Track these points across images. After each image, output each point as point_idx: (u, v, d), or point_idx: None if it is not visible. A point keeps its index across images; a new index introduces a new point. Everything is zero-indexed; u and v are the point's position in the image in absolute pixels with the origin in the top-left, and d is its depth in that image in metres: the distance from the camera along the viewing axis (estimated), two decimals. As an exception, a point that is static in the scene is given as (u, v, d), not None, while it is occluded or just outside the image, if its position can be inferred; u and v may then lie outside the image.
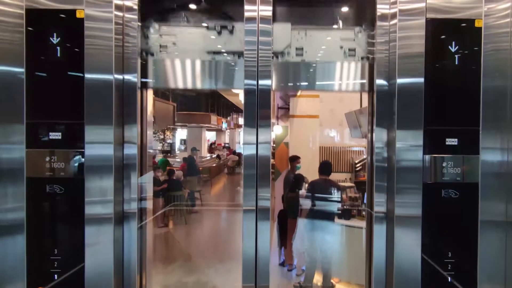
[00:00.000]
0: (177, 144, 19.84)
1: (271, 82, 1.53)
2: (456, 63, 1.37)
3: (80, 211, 1.34)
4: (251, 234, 1.55)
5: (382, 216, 1.48)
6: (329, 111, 7.64)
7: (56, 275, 1.35)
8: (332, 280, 4.46)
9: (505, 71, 1.40)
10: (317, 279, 4.53)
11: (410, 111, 1.36)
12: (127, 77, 1.47)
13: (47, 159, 1.33)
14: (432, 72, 1.36)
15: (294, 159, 5.33)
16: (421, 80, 1.36)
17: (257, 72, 1.52)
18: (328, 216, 4.41)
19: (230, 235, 6.76)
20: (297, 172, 5.11)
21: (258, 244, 1.55)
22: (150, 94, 1.67)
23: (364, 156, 7.36)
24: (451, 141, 1.37)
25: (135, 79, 1.47)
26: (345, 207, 4.62)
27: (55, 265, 1.36)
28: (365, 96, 5.63)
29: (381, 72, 1.50)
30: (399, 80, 1.38)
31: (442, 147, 1.38)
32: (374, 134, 1.52)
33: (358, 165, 7.18)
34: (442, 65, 1.37)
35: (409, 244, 1.36)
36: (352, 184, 5.87)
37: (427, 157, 1.37)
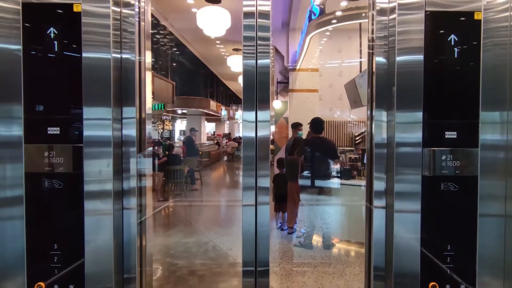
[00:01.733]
0: (177, 135, 19.99)
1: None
2: (456, 56, 1.36)
3: (79, 204, 1.34)
4: (251, 214, 1.55)
5: (381, 209, 1.49)
6: (328, 85, 7.65)
7: (56, 270, 1.34)
8: (332, 241, 4.48)
9: (504, 65, 1.40)
10: (317, 239, 4.55)
11: (409, 105, 1.36)
12: (125, 56, 1.45)
13: (46, 154, 1.34)
14: (431, 66, 1.35)
15: (296, 126, 5.28)
16: (421, 75, 1.35)
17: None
18: (325, 177, 4.37)
19: (226, 211, 6.79)
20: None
21: (257, 222, 1.55)
22: (149, 75, 1.66)
23: (364, 129, 7.36)
24: (450, 134, 1.36)
25: (133, 58, 1.46)
26: (345, 167, 4.61)
27: (55, 260, 1.34)
28: (364, 63, 5.57)
29: (380, 68, 1.50)
30: (398, 75, 1.37)
31: (441, 140, 1.37)
32: (373, 129, 1.52)
33: (357, 138, 7.20)
34: (441, 59, 1.37)
35: (408, 238, 1.36)
36: (352, 148, 5.87)
37: (426, 150, 1.36)
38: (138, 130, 1.54)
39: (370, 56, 1.57)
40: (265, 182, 1.54)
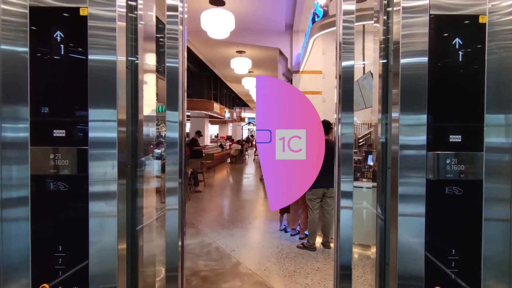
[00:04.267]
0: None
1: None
2: (460, 59, 1.35)
3: (84, 206, 1.35)
4: (175, 218, 1.53)
5: (384, 213, 1.49)
6: (332, 87, 7.64)
7: (60, 272, 1.36)
8: (329, 241, 4.47)
9: (509, 68, 1.39)
10: (320, 241, 4.53)
11: (413, 108, 1.36)
12: (130, 58, 1.48)
13: (51, 156, 1.36)
14: (435, 69, 1.35)
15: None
16: (425, 78, 1.35)
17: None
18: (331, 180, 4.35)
19: (229, 212, 6.78)
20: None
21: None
22: (153, 77, 1.67)
23: (366, 132, 7.33)
24: (455, 138, 1.36)
25: (138, 61, 1.50)
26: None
27: (60, 262, 1.36)
28: (368, 65, 5.54)
29: (385, 71, 1.50)
30: (403, 78, 1.36)
31: (445, 144, 1.36)
32: (379, 132, 1.52)
33: (361, 140, 7.16)
34: (446, 62, 1.36)
35: (413, 242, 1.36)
36: (356, 150, 5.82)
37: (430, 154, 1.35)
38: (142, 131, 1.55)
39: (376, 58, 1.57)
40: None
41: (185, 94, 1.55)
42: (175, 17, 1.50)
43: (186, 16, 1.55)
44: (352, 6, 1.46)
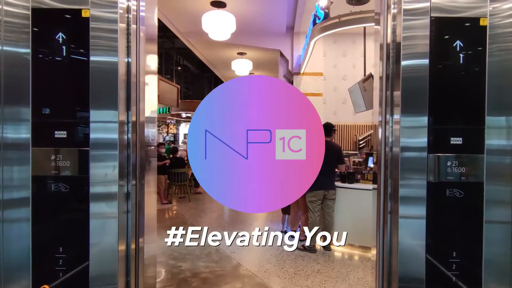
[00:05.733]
0: (181, 138, 20.07)
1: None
2: (461, 62, 1.36)
3: (85, 207, 1.35)
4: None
5: (386, 214, 1.48)
6: (332, 89, 7.64)
7: (61, 273, 1.37)
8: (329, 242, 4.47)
9: (511, 70, 1.39)
10: (320, 243, 4.53)
11: (414, 110, 1.36)
12: (132, 60, 1.47)
13: (53, 157, 1.36)
14: (436, 72, 1.35)
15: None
16: (426, 80, 1.35)
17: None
18: (332, 182, 4.35)
19: (229, 214, 6.78)
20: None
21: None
22: (154, 79, 1.66)
23: (368, 133, 7.33)
24: (456, 140, 1.36)
25: (139, 62, 1.49)
26: (349, 171, 4.60)
27: (60, 263, 1.36)
28: (369, 67, 5.54)
29: (386, 73, 1.50)
30: (403, 80, 1.36)
31: (446, 146, 1.36)
32: (379, 134, 1.52)
33: (361, 142, 7.17)
34: (446, 64, 1.37)
35: (413, 244, 1.36)
36: (356, 152, 5.83)
37: (431, 156, 1.35)
38: (144, 133, 1.55)
39: (376, 60, 1.57)
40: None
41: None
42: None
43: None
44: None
